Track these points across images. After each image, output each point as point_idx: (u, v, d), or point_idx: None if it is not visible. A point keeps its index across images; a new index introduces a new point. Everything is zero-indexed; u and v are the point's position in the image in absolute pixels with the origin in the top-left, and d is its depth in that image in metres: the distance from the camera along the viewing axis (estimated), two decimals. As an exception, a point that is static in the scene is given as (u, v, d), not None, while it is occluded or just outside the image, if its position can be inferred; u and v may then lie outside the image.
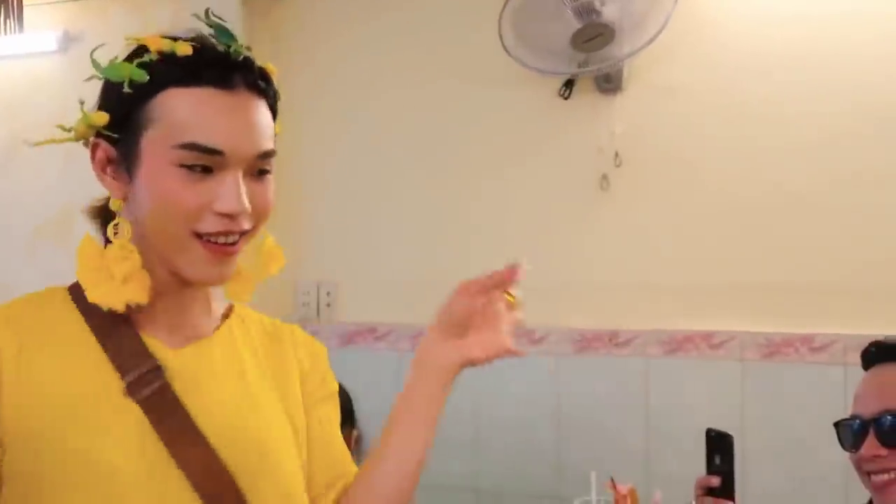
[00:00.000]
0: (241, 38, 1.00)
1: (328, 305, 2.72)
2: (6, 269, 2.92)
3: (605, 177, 2.42)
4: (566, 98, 2.45)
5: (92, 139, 0.98)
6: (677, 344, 2.34)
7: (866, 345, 1.59)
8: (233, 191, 0.94)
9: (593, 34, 2.31)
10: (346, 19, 2.71)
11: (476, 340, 1.06)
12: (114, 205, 0.98)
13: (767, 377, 2.27)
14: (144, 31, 0.99)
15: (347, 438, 1.77)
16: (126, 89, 0.94)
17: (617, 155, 2.40)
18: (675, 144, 2.38)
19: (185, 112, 0.94)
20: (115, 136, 0.96)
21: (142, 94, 0.95)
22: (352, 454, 1.80)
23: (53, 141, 0.99)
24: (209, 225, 0.95)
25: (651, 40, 2.25)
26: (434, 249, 2.54)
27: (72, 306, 0.99)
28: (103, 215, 1.02)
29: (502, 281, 1.06)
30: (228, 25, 0.99)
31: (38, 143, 1.01)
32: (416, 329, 2.52)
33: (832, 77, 2.24)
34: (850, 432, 1.52)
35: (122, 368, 0.95)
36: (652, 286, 2.37)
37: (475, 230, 2.53)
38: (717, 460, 1.56)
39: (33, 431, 0.90)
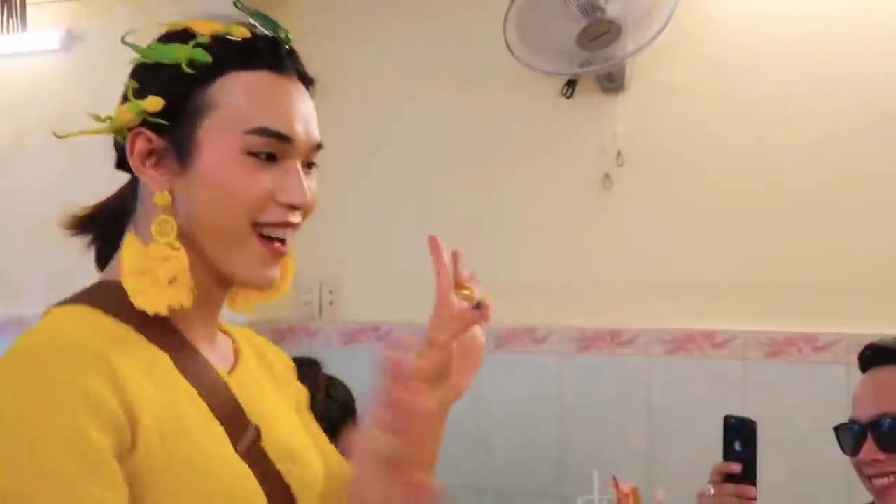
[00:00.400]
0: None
1: (331, 304, 2.72)
2: (8, 268, 2.92)
3: (607, 176, 2.42)
4: (569, 97, 2.45)
5: (133, 129, 0.89)
6: (679, 343, 2.34)
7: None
8: (297, 181, 0.89)
9: (599, 32, 2.30)
10: (349, 22, 2.71)
11: (461, 373, 1.02)
12: (161, 199, 0.88)
13: (770, 376, 2.26)
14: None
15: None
16: (187, 70, 0.87)
17: (619, 154, 2.40)
18: (677, 143, 2.38)
19: (249, 97, 0.88)
20: (166, 123, 0.88)
21: (200, 78, 0.88)
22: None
23: (85, 132, 0.91)
24: (271, 215, 0.89)
25: (654, 37, 2.25)
26: (437, 248, 2.53)
27: (130, 330, 0.86)
28: (88, 225, 0.95)
29: (473, 324, 1.00)
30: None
31: (65, 136, 0.93)
32: (420, 327, 2.51)
33: (835, 75, 2.24)
34: (849, 436, 1.51)
35: (225, 424, 0.87)
36: (654, 285, 2.37)
37: (478, 229, 2.53)
38: (738, 447, 1.52)
39: (172, 461, 0.81)
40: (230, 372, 0.95)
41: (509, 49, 2.37)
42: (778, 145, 2.30)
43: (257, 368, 1.02)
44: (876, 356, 1.54)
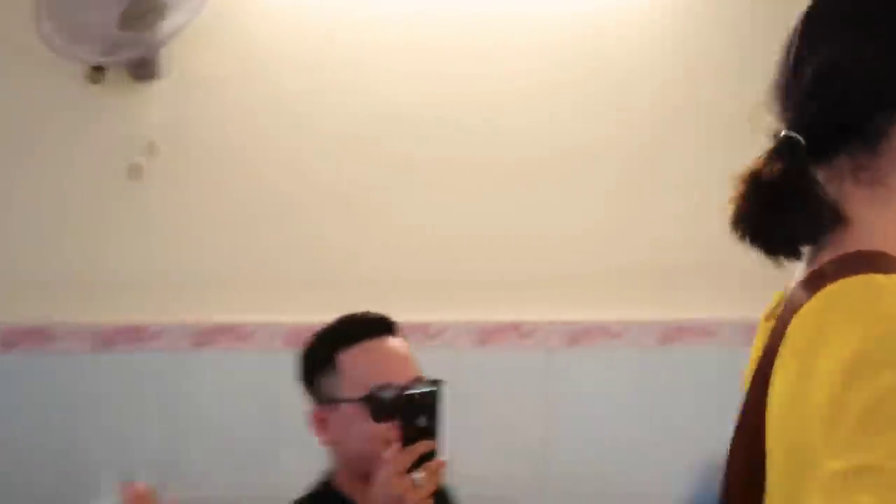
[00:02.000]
0: None
1: None
2: None
3: (137, 167, 2.32)
4: (96, 83, 2.30)
5: None
6: (205, 336, 2.31)
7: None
8: None
9: (143, 11, 2.20)
10: None
11: None
12: None
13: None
14: None
15: None
16: None
17: (151, 145, 2.31)
18: (211, 135, 2.34)
19: None
20: None
21: None
22: None
23: None
24: None
25: (182, 26, 2.21)
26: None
27: None
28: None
29: None
30: None
31: None
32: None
33: (351, 78, 2.35)
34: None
35: None
36: (177, 279, 2.33)
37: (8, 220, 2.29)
38: (424, 422, 1.44)
39: None
40: None
41: (41, 35, 2.16)
42: (314, 141, 2.35)
43: None
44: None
